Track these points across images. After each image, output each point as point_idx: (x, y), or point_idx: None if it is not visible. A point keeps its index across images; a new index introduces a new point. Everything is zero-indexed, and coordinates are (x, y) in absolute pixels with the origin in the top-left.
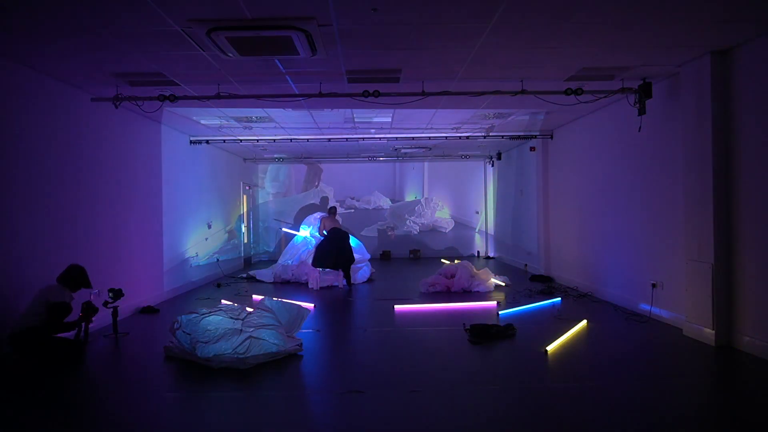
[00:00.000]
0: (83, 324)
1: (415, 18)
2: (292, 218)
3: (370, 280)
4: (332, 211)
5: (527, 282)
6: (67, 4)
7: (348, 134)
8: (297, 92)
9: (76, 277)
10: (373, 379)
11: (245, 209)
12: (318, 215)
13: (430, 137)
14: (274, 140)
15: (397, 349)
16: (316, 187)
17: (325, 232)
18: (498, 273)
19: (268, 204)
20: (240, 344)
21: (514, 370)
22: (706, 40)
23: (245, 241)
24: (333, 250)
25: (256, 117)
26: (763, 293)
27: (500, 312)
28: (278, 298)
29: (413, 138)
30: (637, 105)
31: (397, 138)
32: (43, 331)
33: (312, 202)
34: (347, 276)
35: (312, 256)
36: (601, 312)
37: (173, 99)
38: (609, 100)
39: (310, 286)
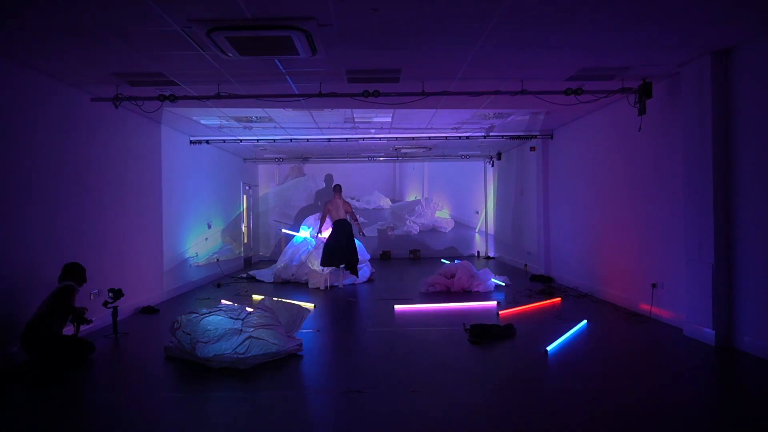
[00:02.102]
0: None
1: (415, 18)
2: (291, 219)
3: (370, 280)
4: (337, 189)
5: (527, 282)
6: (67, 4)
7: (348, 134)
8: (297, 92)
9: (73, 270)
10: (373, 379)
11: (245, 209)
12: (318, 215)
13: (430, 137)
14: (274, 140)
15: (397, 349)
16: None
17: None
18: (498, 273)
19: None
20: (240, 344)
21: (514, 370)
22: (706, 40)
23: (245, 241)
24: (339, 245)
25: (256, 117)
26: (763, 293)
27: (500, 312)
28: (278, 298)
29: (413, 138)
30: (637, 105)
31: (397, 138)
32: (52, 320)
33: (311, 201)
34: (354, 271)
35: (310, 256)
36: (601, 312)
37: (173, 99)
38: (609, 100)
39: (310, 285)
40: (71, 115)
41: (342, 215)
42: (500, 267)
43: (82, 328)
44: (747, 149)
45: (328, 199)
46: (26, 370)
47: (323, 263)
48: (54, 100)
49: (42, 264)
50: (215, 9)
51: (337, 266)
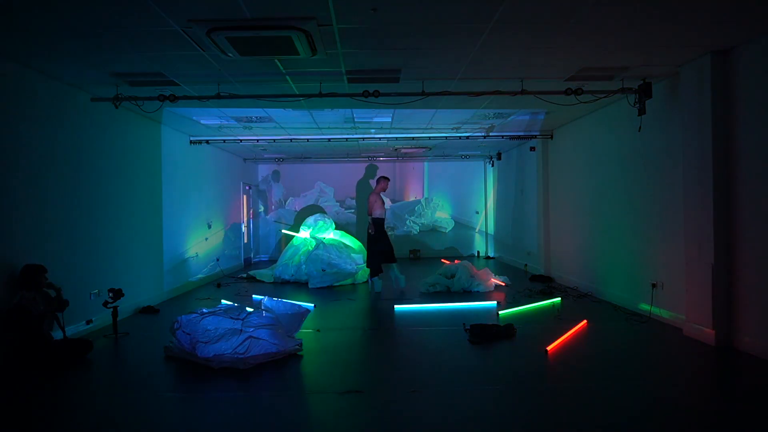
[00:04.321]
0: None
1: (415, 18)
2: (292, 220)
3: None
4: (381, 181)
5: (527, 282)
6: (67, 4)
7: (348, 134)
8: (297, 92)
9: (24, 274)
10: (373, 379)
11: (245, 210)
12: (318, 216)
13: (430, 137)
14: (274, 140)
15: (397, 349)
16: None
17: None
18: (498, 273)
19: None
20: (240, 344)
21: (514, 370)
22: (706, 40)
23: (245, 241)
24: (386, 245)
25: (256, 117)
26: (763, 293)
27: (500, 312)
28: (278, 298)
29: (413, 138)
30: (637, 105)
31: (397, 138)
32: (24, 339)
33: (312, 203)
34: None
35: (311, 258)
36: (601, 312)
37: (173, 99)
38: (609, 100)
39: (310, 286)
40: (71, 115)
41: (383, 213)
42: (500, 267)
43: (85, 327)
44: (747, 149)
45: (370, 190)
46: (25, 371)
47: (376, 271)
48: (54, 100)
49: (42, 264)
50: (215, 9)
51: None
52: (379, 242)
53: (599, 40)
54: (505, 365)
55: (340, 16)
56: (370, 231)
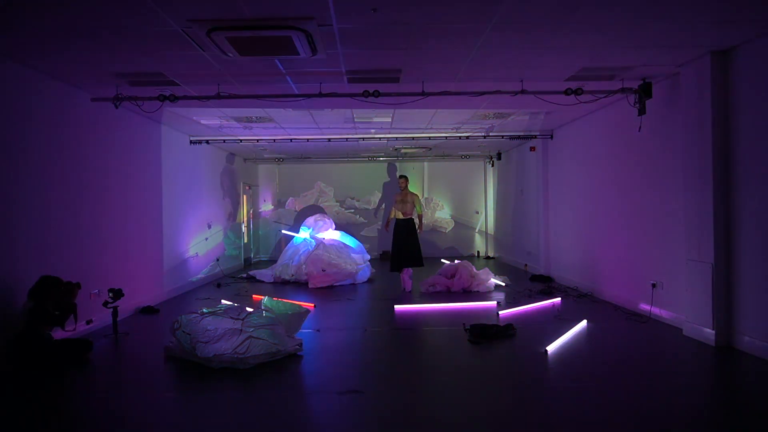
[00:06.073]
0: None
1: (415, 18)
2: (291, 220)
3: (370, 280)
4: (402, 179)
5: (527, 282)
6: (68, 4)
7: (348, 134)
8: (297, 92)
9: (43, 285)
10: (373, 379)
11: (245, 210)
12: (318, 216)
13: (430, 137)
14: (274, 140)
15: (397, 349)
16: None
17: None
18: (498, 273)
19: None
20: (240, 344)
21: (514, 370)
22: (706, 40)
23: (245, 241)
24: (405, 246)
25: (256, 117)
26: (763, 293)
27: (500, 312)
28: (278, 298)
29: (413, 138)
30: (637, 105)
31: (397, 138)
32: (30, 334)
33: (312, 204)
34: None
35: (311, 258)
36: (601, 312)
37: (173, 99)
38: (609, 100)
39: (310, 286)
40: (71, 115)
41: (409, 212)
42: (500, 267)
43: (85, 328)
44: (747, 149)
45: (393, 191)
46: (24, 372)
47: (393, 269)
48: (54, 100)
49: (41, 264)
50: (215, 9)
51: (400, 270)
52: (392, 244)
53: (599, 40)
54: (505, 365)
55: (340, 16)
56: (420, 230)
